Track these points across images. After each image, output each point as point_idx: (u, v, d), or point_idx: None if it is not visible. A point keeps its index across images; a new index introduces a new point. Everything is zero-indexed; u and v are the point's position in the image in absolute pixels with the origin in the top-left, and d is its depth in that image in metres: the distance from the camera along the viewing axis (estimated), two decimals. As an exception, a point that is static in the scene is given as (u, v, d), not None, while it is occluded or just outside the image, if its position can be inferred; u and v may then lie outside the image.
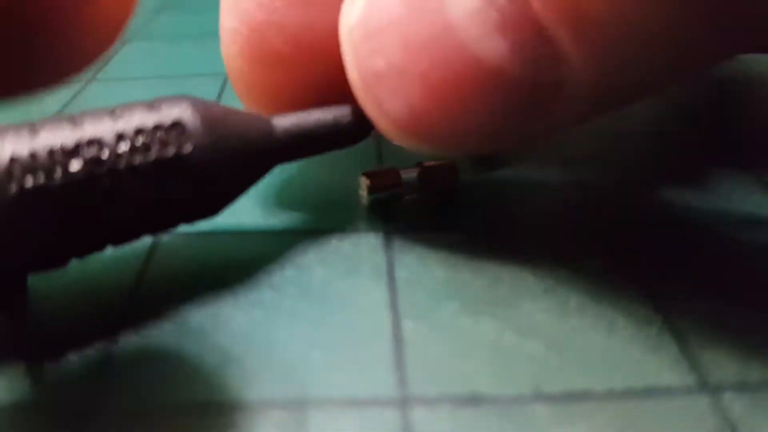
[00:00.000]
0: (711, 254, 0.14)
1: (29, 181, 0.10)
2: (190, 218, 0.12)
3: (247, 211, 0.15)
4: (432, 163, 0.15)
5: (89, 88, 0.22)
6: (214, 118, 0.12)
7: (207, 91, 0.22)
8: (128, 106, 0.12)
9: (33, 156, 0.10)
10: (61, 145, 0.11)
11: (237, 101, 0.21)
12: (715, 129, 0.20)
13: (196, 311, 0.12)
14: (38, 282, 0.12)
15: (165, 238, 0.14)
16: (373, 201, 0.15)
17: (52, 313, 0.12)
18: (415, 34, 0.12)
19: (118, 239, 0.12)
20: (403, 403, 0.10)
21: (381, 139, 0.18)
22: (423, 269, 0.13)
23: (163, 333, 0.12)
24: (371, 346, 0.11)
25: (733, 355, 0.11)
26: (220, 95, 0.21)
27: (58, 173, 0.10)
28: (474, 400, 0.10)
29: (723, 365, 0.11)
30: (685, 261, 0.14)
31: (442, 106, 0.12)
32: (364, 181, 0.15)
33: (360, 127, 0.14)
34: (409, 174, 0.15)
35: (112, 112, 0.11)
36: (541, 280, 0.13)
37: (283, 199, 0.16)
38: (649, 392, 0.11)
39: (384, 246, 0.14)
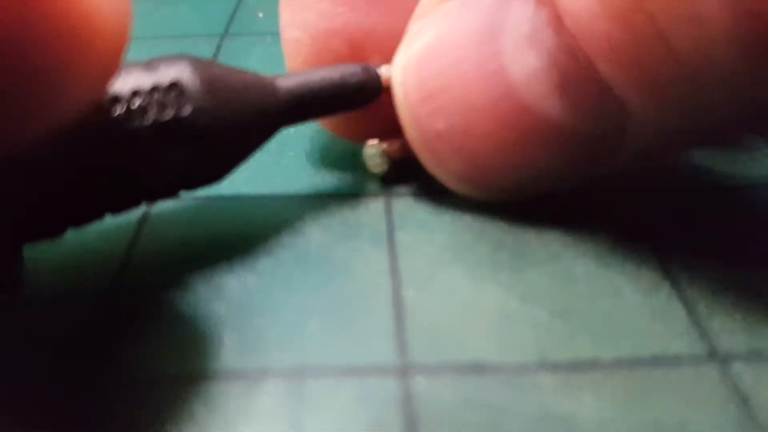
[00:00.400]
0: (722, 220, 0.13)
1: None
2: (192, 185, 0.12)
3: (242, 176, 0.14)
4: None
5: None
6: (214, 79, 0.11)
7: (202, 51, 0.21)
8: (124, 67, 0.11)
9: None
10: None
11: (234, 60, 0.20)
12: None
13: (190, 278, 0.12)
14: (29, 251, 0.11)
15: (157, 204, 0.14)
16: (387, 168, 0.14)
17: (44, 283, 0.12)
18: (476, 96, 0.12)
19: (117, 207, 0.11)
20: (404, 371, 0.10)
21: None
22: (424, 234, 0.13)
23: (158, 301, 0.11)
24: (371, 313, 0.11)
25: (744, 324, 0.11)
26: (215, 54, 0.21)
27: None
28: (477, 368, 0.10)
29: (733, 334, 0.11)
30: (695, 227, 0.13)
31: (507, 162, 0.12)
32: (374, 150, 0.14)
33: (370, 86, 0.13)
34: None
35: None
36: (546, 245, 0.13)
37: (279, 163, 0.15)
38: (658, 361, 0.10)
39: (384, 210, 0.14)
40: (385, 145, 0.14)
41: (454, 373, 0.10)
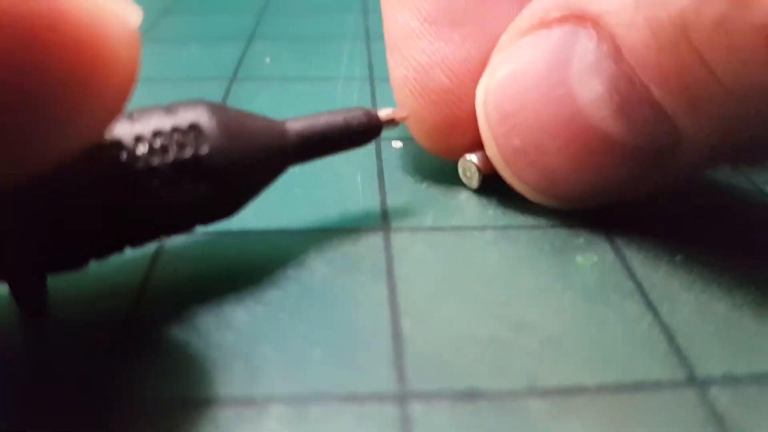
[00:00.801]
0: (702, 251, 0.14)
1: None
2: (207, 219, 0.13)
3: (250, 212, 0.15)
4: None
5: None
6: (229, 121, 0.12)
7: (212, 95, 0.22)
8: (145, 110, 0.12)
9: None
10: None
11: (242, 103, 0.21)
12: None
13: (201, 309, 0.12)
14: (52, 280, 0.12)
15: (171, 238, 0.14)
16: (482, 181, 0.16)
17: (65, 310, 0.12)
18: (548, 117, 0.14)
19: (137, 240, 0.12)
20: (402, 398, 0.11)
21: (377, 143, 0.19)
22: (421, 267, 0.14)
23: (170, 330, 0.12)
24: (371, 342, 0.12)
25: (720, 351, 0.12)
26: (224, 98, 0.22)
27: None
28: (471, 395, 0.11)
29: (710, 360, 0.11)
30: (677, 258, 0.14)
31: (575, 174, 0.14)
32: (469, 164, 0.16)
33: (370, 127, 0.14)
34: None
35: (130, 115, 0.12)
36: (536, 278, 0.13)
37: (285, 200, 0.16)
38: (639, 386, 0.11)
39: (383, 245, 0.14)
40: (478, 160, 0.16)
41: (449, 399, 0.11)
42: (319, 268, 0.14)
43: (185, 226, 0.12)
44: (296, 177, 0.17)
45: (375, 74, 0.24)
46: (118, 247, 0.12)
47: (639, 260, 0.14)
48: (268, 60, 0.25)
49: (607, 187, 0.14)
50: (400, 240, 0.15)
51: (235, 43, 0.27)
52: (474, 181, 0.16)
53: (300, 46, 0.27)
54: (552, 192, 0.15)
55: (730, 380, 0.11)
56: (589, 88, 0.13)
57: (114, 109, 0.10)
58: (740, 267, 0.14)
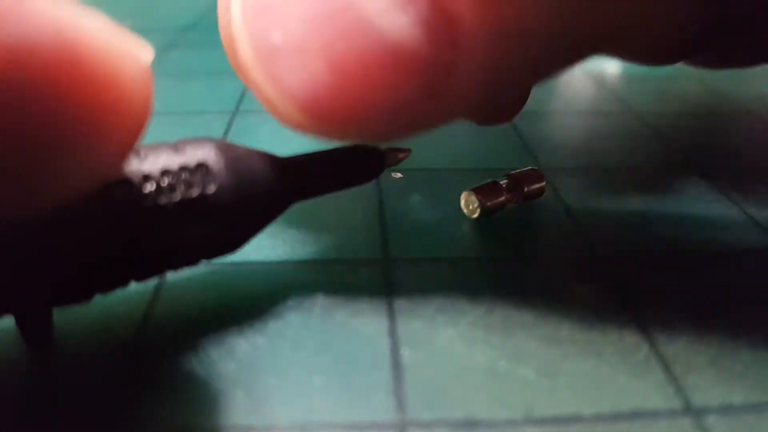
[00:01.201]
0: (697, 283, 0.14)
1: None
2: (212, 255, 0.13)
3: (252, 243, 0.15)
4: (518, 171, 0.17)
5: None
6: (236, 160, 0.13)
7: (214, 128, 0.22)
8: (153, 147, 0.12)
9: None
10: None
11: (244, 136, 0.22)
12: (703, 163, 0.20)
13: (203, 339, 0.13)
14: (57, 313, 0.12)
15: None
16: (482, 216, 0.16)
17: (65, 342, 0.13)
18: (316, 6, 0.11)
19: (143, 275, 0.12)
20: (402, 427, 0.11)
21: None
22: (420, 297, 0.14)
23: (173, 360, 0.12)
24: (371, 372, 0.12)
25: (717, 379, 0.12)
26: (226, 132, 0.22)
27: None
28: (469, 424, 0.11)
29: (707, 389, 0.11)
30: (672, 289, 0.14)
31: (344, 82, 0.11)
32: (470, 199, 0.16)
33: (374, 165, 0.15)
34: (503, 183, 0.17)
35: (137, 153, 0.12)
36: (533, 309, 0.13)
37: (285, 232, 0.16)
38: (636, 415, 0.11)
39: (383, 275, 0.15)
40: (478, 199, 0.16)
41: (448, 428, 0.11)
42: (319, 299, 0.14)
43: (190, 262, 0.13)
44: (297, 208, 0.17)
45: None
46: (124, 282, 0.12)
47: (636, 291, 0.14)
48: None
49: (372, 105, 0.11)
50: (400, 270, 0.15)
51: (236, 77, 0.27)
52: (474, 214, 0.16)
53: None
54: (313, 106, 0.12)
55: (727, 409, 0.11)
56: None
57: (128, 147, 0.10)
58: (736, 297, 0.14)
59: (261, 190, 0.13)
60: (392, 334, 0.13)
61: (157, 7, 0.39)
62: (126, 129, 0.09)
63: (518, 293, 0.14)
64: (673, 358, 0.12)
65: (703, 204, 0.18)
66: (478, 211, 0.16)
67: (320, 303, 0.14)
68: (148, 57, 0.09)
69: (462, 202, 0.17)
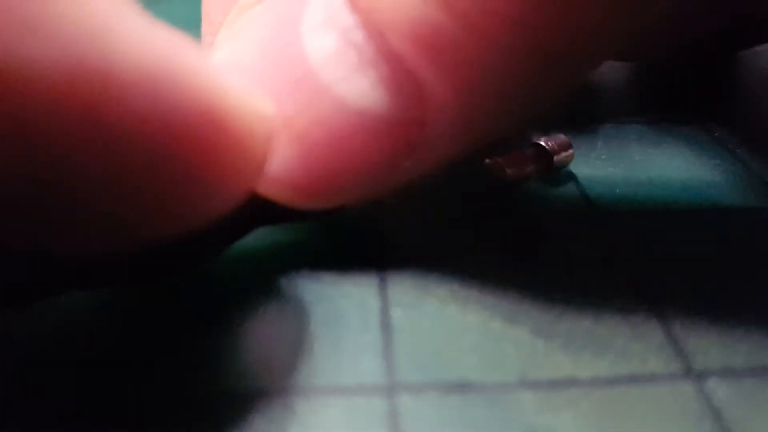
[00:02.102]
0: (697, 242, 0.14)
1: None
2: (170, 273, 0.12)
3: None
4: (545, 138, 0.16)
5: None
6: None
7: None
8: None
9: None
10: None
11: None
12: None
13: (198, 307, 0.12)
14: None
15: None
16: (507, 185, 0.15)
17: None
18: (277, 81, 0.11)
19: (93, 285, 0.12)
20: (390, 390, 0.11)
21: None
22: (412, 257, 0.13)
23: (160, 330, 0.12)
24: (359, 333, 0.12)
25: (718, 342, 0.11)
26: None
27: None
28: (461, 387, 0.11)
29: (707, 352, 0.11)
30: (672, 249, 0.14)
31: (310, 151, 0.11)
32: (494, 166, 0.15)
33: None
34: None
35: None
36: (528, 268, 0.13)
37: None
38: (634, 379, 0.11)
39: (374, 234, 0.14)
40: (503, 167, 0.15)
41: (439, 391, 0.10)
42: (307, 258, 0.13)
43: (145, 279, 0.12)
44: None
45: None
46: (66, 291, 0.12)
47: (635, 251, 0.14)
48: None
49: (342, 172, 0.12)
50: (391, 228, 0.14)
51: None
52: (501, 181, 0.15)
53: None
54: (283, 179, 0.12)
55: (728, 373, 0.11)
56: (322, 45, 0.11)
57: (252, 185, 0.10)
58: (738, 259, 0.13)
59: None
60: (382, 294, 0.12)
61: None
62: (252, 172, 0.10)
63: (513, 252, 0.13)
64: (672, 319, 0.12)
65: (707, 160, 0.17)
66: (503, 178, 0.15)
67: (308, 263, 0.13)
68: (271, 111, 0.10)
69: (486, 170, 0.15)
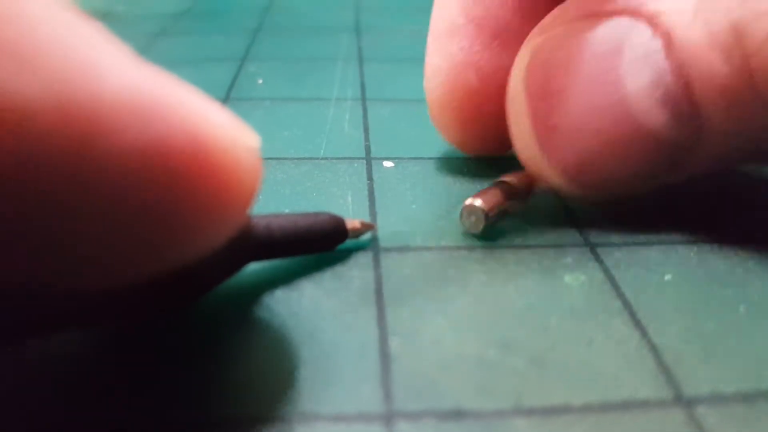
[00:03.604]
0: (690, 271, 0.14)
1: None
2: (167, 307, 0.13)
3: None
4: (510, 176, 0.16)
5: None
6: None
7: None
8: None
9: None
10: None
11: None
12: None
13: (190, 331, 0.12)
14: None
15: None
16: (486, 227, 0.15)
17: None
18: (593, 100, 0.14)
19: (89, 322, 0.12)
20: (388, 417, 0.11)
21: (368, 162, 0.19)
22: (409, 286, 0.14)
23: (158, 358, 0.12)
24: (358, 362, 0.12)
25: (707, 369, 0.12)
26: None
27: None
28: (457, 414, 0.11)
29: (697, 379, 0.11)
30: (665, 278, 0.14)
31: (608, 158, 0.14)
32: (474, 209, 0.15)
33: (335, 233, 0.14)
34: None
35: None
36: (524, 297, 0.13)
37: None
38: (626, 405, 0.11)
39: (373, 264, 0.14)
40: (480, 203, 0.15)
41: (435, 418, 0.11)
42: (307, 288, 0.14)
43: (144, 314, 0.12)
44: (287, 197, 0.17)
45: (367, 95, 0.24)
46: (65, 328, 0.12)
47: (627, 280, 0.14)
48: (260, 81, 0.25)
49: (631, 175, 0.15)
50: (389, 260, 0.15)
51: (228, 64, 0.27)
52: (475, 228, 0.15)
53: (292, 67, 0.27)
54: (577, 174, 0.15)
55: (718, 399, 0.11)
56: (637, 78, 0.14)
57: (241, 217, 0.11)
58: (728, 287, 0.14)
59: (220, 248, 0.11)
60: (381, 323, 0.13)
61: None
62: (240, 204, 0.10)
63: (508, 282, 0.14)
64: (664, 347, 0.12)
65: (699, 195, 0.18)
66: (483, 222, 0.15)
67: (308, 293, 0.13)
68: (257, 143, 0.10)
69: (463, 216, 0.15)
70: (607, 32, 0.14)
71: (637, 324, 0.13)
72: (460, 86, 0.17)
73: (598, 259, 0.15)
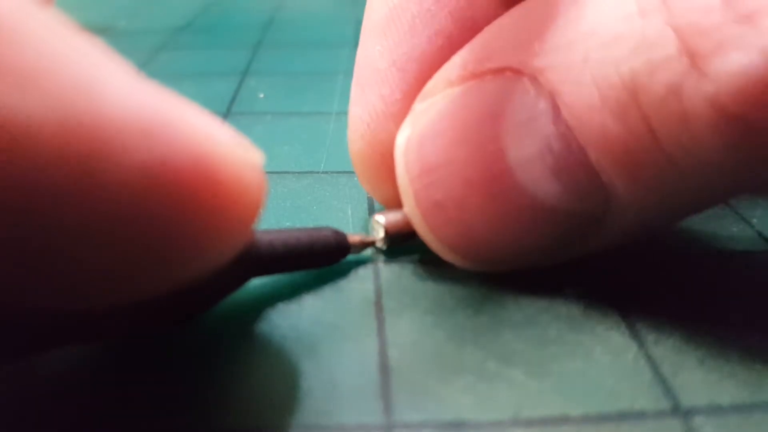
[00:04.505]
0: (687, 284, 0.14)
1: None
2: (166, 324, 0.13)
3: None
4: None
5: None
6: None
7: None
8: None
9: None
10: None
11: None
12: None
13: (190, 344, 0.13)
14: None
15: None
16: (389, 244, 0.15)
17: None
18: (474, 173, 0.13)
19: (90, 339, 0.12)
20: (388, 429, 0.11)
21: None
22: (409, 299, 0.14)
23: (159, 370, 0.12)
24: (358, 374, 0.12)
25: (705, 380, 0.12)
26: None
27: None
28: (456, 426, 0.11)
29: (695, 390, 0.11)
30: (662, 290, 0.14)
31: (497, 236, 0.13)
32: (378, 225, 0.15)
33: (337, 248, 0.14)
34: None
35: None
36: (522, 310, 0.13)
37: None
38: (624, 416, 0.11)
39: (373, 277, 0.14)
40: (385, 219, 0.15)
41: (435, 430, 0.11)
42: (308, 300, 0.14)
43: (143, 331, 0.13)
44: (288, 211, 0.17)
45: (366, 109, 0.24)
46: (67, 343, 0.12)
47: (625, 292, 0.14)
48: (261, 95, 0.25)
49: (530, 251, 0.13)
50: (389, 272, 0.15)
51: (229, 78, 0.27)
52: (380, 243, 0.15)
53: (293, 81, 0.27)
54: (471, 253, 0.14)
55: (715, 410, 0.11)
56: (521, 147, 0.12)
57: (245, 235, 0.11)
58: (725, 299, 0.14)
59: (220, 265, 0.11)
60: (380, 335, 0.13)
61: (149, 8, 0.39)
62: (244, 222, 0.10)
63: (507, 294, 0.14)
64: (661, 359, 0.12)
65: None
66: (384, 237, 0.15)
67: (308, 305, 0.14)
68: (260, 160, 0.10)
69: (369, 229, 0.15)
70: (486, 95, 0.13)
71: (635, 335, 0.13)
72: (381, 140, 0.15)
73: (596, 271, 0.15)
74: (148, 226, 0.09)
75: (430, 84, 0.14)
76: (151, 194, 0.08)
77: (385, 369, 0.12)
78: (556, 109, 0.12)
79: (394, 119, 0.15)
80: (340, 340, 0.13)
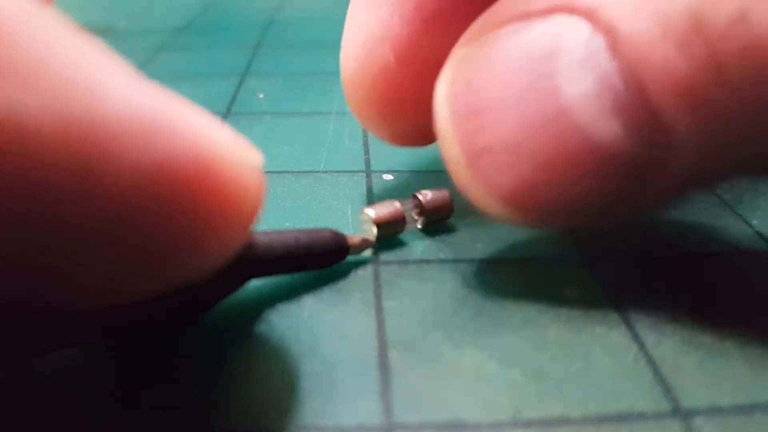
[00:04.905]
0: (687, 284, 0.14)
1: None
2: (168, 325, 0.13)
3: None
4: (427, 192, 0.16)
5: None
6: None
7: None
8: None
9: None
10: None
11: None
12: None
13: (189, 344, 0.13)
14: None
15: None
16: (379, 237, 0.15)
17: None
18: (527, 114, 0.12)
19: (90, 340, 0.12)
20: (389, 430, 0.11)
21: (368, 175, 0.19)
22: (409, 300, 0.14)
23: (158, 371, 0.12)
24: (358, 374, 0.12)
25: (705, 381, 0.12)
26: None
27: None
28: (456, 427, 0.11)
29: (695, 391, 0.11)
30: (662, 290, 0.14)
31: (552, 181, 0.12)
32: (368, 218, 0.15)
33: (337, 249, 0.14)
34: (407, 205, 0.16)
35: None
36: (522, 311, 0.13)
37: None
38: (624, 417, 0.11)
39: (372, 278, 0.14)
40: (374, 213, 0.15)
41: (435, 431, 0.11)
42: (307, 302, 0.14)
43: (143, 332, 0.13)
44: (288, 210, 0.17)
45: (366, 109, 0.24)
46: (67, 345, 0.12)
47: (626, 293, 0.14)
48: (261, 96, 0.25)
49: (583, 199, 0.12)
50: (388, 272, 0.15)
51: (229, 79, 0.27)
52: (370, 235, 0.15)
53: (293, 82, 0.27)
54: (520, 202, 0.13)
55: (715, 411, 0.11)
56: (578, 84, 0.11)
57: (244, 235, 0.11)
58: (725, 299, 0.14)
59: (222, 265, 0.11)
60: (380, 336, 0.13)
61: (149, 8, 0.39)
62: (244, 222, 0.10)
63: (508, 295, 0.14)
64: (662, 360, 0.12)
65: (699, 210, 0.18)
66: (372, 229, 0.15)
67: (308, 306, 0.14)
68: (260, 161, 0.10)
69: (362, 224, 0.16)
70: (538, 35, 0.12)
71: (635, 337, 0.13)
72: (375, 62, 0.15)
73: (596, 272, 0.15)
74: (147, 226, 0.09)
75: (474, 27, 0.13)
76: (151, 194, 0.08)
77: (385, 370, 0.12)
78: (615, 44, 0.11)
79: (390, 43, 0.15)
80: (339, 340, 0.13)
